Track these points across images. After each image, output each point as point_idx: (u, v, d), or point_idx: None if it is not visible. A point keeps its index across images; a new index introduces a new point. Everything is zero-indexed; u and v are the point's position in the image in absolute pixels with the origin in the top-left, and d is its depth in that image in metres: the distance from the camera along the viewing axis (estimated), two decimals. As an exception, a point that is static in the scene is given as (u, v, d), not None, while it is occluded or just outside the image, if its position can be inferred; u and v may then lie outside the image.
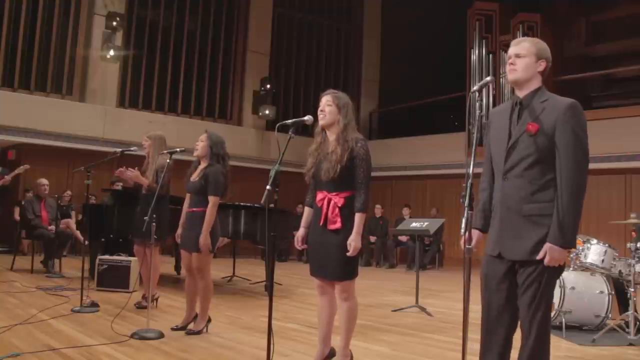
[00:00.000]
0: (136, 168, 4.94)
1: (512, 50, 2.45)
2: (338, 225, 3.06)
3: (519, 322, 2.41)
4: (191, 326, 4.24)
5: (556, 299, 4.62)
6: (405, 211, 11.75)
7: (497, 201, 2.46)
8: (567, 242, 2.26)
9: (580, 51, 12.48)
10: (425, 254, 11.00)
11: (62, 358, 3.31)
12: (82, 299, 4.85)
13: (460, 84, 12.11)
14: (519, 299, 2.36)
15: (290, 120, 3.07)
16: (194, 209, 4.19)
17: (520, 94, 2.44)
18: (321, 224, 3.11)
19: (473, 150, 2.32)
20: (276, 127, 2.93)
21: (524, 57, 2.41)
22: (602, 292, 4.84)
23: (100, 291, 5.86)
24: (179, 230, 4.34)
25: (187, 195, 4.32)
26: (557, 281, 3.00)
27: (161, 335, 3.96)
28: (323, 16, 15.02)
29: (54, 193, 8.51)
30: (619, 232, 8.88)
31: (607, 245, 4.89)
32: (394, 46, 14.87)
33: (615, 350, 4.17)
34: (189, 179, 4.24)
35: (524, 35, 10.79)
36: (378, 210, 12.02)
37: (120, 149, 5.03)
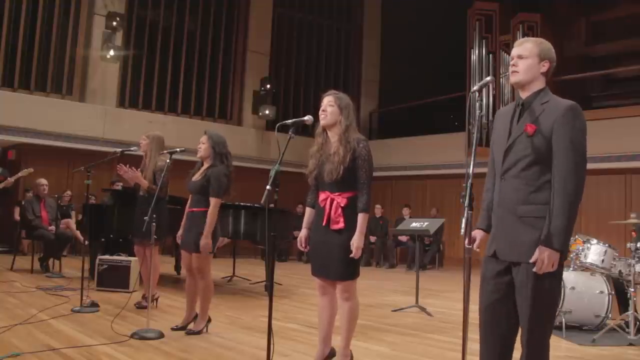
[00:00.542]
0: (136, 168, 4.94)
1: (515, 51, 2.42)
2: (341, 225, 3.07)
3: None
4: (191, 326, 4.24)
5: (556, 299, 4.62)
6: (405, 211, 11.75)
7: (495, 201, 2.46)
8: (559, 246, 2.21)
9: (580, 51, 12.47)
10: (425, 254, 10.99)
11: (62, 358, 3.31)
12: (82, 299, 4.85)
13: (460, 84, 12.09)
14: (516, 300, 2.35)
15: (290, 120, 3.07)
16: (194, 209, 4.19)
17: (523, 95, 2.42)
18: (324, 224, 3.12)
19: (473, 150, 2.32)
20: (276, 127, 2.93)
21: (526, 58, 2.38)
22: (602, 292, 4.85)
23: (100, 291, 5.86)
24: (180, 231, 4.33)
25: (190, 196, 4.32)
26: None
27: (161, 335, 3.97)
28: (323, 16, 15.01)
29: (54, 193, 8.52)
30: (619, 232, 8.87)
31: (607, 245, 4.89)
32: (394, 46, 14.87)
33: (615, 350, 4.17)
34: (191, 178, 4.24)
35: (524, 35, 10.79)
36: (378, 210, 12.01)
37: (120, 149, 5.04)
